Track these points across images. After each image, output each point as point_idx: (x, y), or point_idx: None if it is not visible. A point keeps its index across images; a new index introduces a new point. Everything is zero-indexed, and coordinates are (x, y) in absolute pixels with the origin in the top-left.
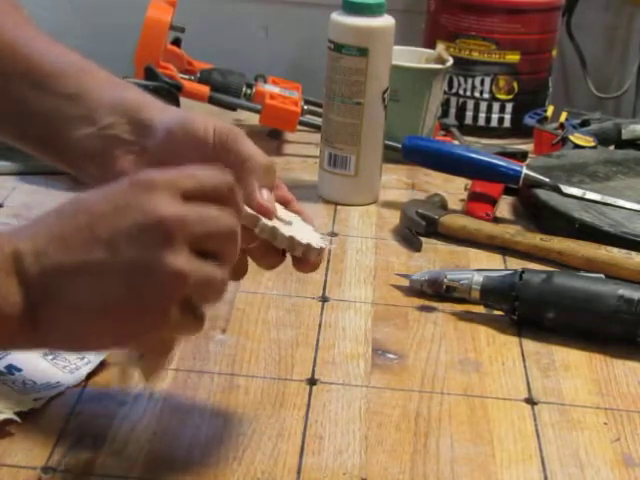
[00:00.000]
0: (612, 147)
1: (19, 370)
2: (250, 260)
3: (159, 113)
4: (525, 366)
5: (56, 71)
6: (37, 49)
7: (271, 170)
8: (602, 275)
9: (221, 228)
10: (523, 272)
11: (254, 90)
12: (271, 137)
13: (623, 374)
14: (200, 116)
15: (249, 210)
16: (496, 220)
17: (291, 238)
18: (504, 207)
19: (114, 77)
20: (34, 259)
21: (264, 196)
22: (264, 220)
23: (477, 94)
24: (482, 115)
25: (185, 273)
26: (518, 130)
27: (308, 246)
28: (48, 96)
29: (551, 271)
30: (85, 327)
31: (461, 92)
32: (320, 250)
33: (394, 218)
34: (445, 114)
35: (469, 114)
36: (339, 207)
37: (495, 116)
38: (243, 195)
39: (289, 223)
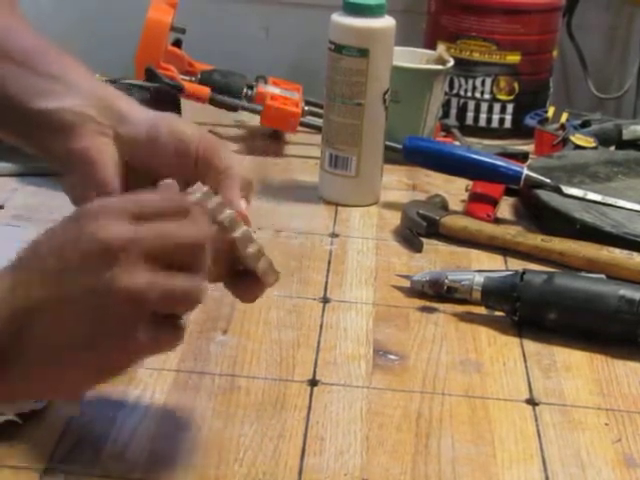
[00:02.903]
0: (613, 148)
1: None
2: None
3: (136, 108)
4: (526, 367)
5: (37, 51)
6: (18, 30)
7: (249, 183)
8: (603, 275)
9: (179, 239)
10: (524, 273)
11: (255, 91)
12: (272, 138)
13: (624, 374)
14: (185, 121)
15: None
16: (497, 221)
17: (270, 262)
18: (505, 208)
19: (92, 73)
20: (1, 305)
21: (242, 206)
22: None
23: (478, 95)
24: (483, 116)
25: (142, 290)
26: (519, 131)
27: (277, 272)
28: (22, 69)
29: (552, 272)
30: (58, 367)
31: (462, 93)
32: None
33: (395, 219)
34: (446, 115)
35: (470, 115)
36: (340, 208)
37: (496, 117)
38: (224, 202)
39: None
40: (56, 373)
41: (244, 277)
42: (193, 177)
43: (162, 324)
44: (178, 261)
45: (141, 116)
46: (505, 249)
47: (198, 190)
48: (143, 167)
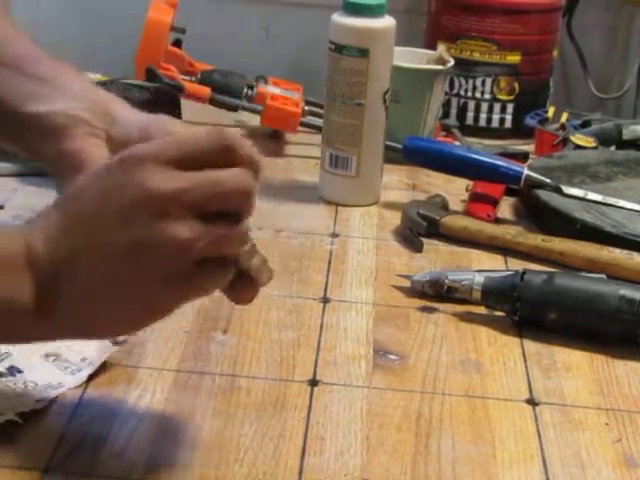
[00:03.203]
0: (613, 148)
1: (20, 371)
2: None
3: (128, 111)
4: (526, 367)
5: (29, 57)
6: (11, 39)
7: None
8: (603, 275)
9: (226, 188)
10: (524, 273)
11: (255, 91)
12: (272, 138)
13: (624, 374)
14: (177, 121)
15: None
16: (497, 221)
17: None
18: (505, 208)
19: (87, 78)
20: (44, 249)
21: None
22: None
23: (478, 95)
24: (483, 116)
25: (188, 241)
26: (519, 131)
27: (271, 270)
28: (13, 73)
29: (552, 272)
30: (101, 311)
31: (462, 93)
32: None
33: (395, 219)
34: (446, 115)
35: (470, 115)
36: (340, 208)
37: (496, 117)
38: None
39: None
40: (101, 312)
41: (238, 278)
42: None
43: (207, 264)
44: (224, 207)
45: (133, 118)
46: (505, 249)
47: None
48: None
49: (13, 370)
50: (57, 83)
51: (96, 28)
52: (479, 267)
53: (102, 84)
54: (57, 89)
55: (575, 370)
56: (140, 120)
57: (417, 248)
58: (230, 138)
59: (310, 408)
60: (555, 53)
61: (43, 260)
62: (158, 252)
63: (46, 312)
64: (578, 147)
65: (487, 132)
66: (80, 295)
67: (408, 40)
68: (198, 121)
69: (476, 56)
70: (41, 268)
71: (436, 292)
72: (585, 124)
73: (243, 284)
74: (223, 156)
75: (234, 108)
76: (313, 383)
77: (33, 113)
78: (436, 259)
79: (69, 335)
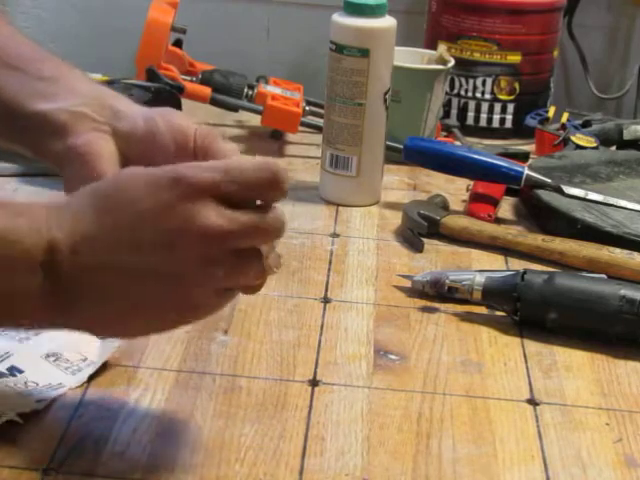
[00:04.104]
0: (614, 148)
1: (21, 371)
2: None
3: (131, 105)
4: (527, 367)
5: (33, 57)
6: (13, 39)
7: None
8: (604, 275)
9: (266, 233)
10: (525, 273)
11: (255, 91)
12: (273, 138)
13: (625, 374)
14: (180, 113)
15: None
16: (498, 221)
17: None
18: (506, 208)
19: (89, 76)
20: (70, 253)
21: None
22: None
23: (478, 95)
24: (484, 116)
25: (220, 280)
26: (520, 131)
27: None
28: (18, 74)
29: (553, 272)
30: (115, 321)
31: (462, 93)
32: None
33: (396, 219)
34: (447, 115)
35: (471, 115)
36: (341, 208)
37: (497, 117)
38: None
39: None
40: (111, 324)
41: None
42: None
43: (220, 295)
44: (259, 245)
45: (137, 111)
46: (506, 249)
47: None
48: (142, 161)
49: (14, 370)
50: (61, 82)
51: (97, 29)
52: (480, 267)
53: (102, 84)
54: (60, 87)
55: (576, 370)
56: (143, 113)
57: (418, 248)
58: (281, 173)
59: (311, 408)
60: (556, 53)
61: (65, 263)
62: (188, 285)
63: (59, 307)
64: (579, 147)
65: (488, 132)
66: (100, 304)
67: (409, 40)
68: (198, 122)
69: (477, 56)
70: (61, 269)
71: (437, 292)
72: (586, 124)
73: None
74: (269, 189)
75: (235, 108)
76: (314, 383)
77: (37, 111)
78: (437, 259)
79: (74, 329)
